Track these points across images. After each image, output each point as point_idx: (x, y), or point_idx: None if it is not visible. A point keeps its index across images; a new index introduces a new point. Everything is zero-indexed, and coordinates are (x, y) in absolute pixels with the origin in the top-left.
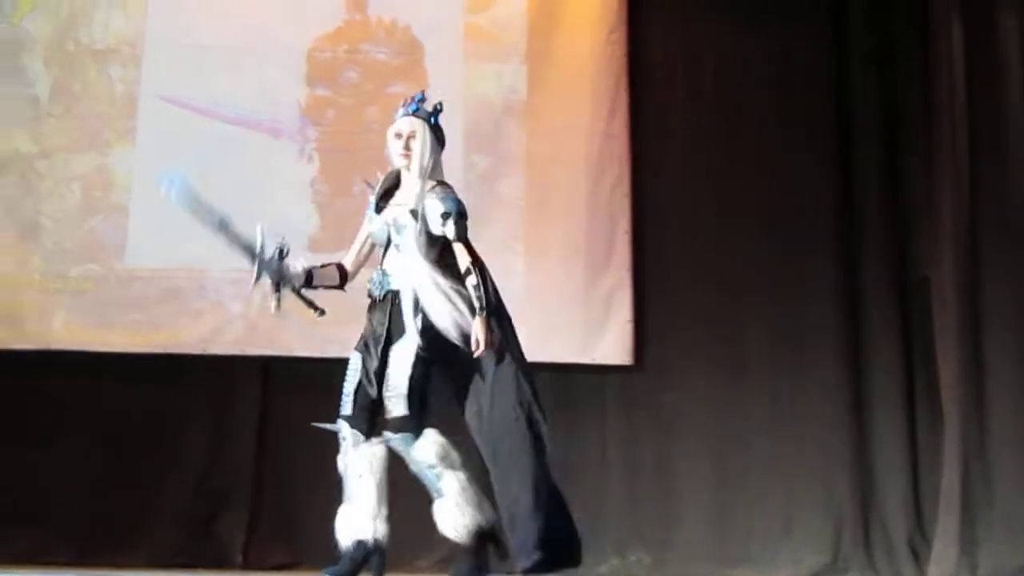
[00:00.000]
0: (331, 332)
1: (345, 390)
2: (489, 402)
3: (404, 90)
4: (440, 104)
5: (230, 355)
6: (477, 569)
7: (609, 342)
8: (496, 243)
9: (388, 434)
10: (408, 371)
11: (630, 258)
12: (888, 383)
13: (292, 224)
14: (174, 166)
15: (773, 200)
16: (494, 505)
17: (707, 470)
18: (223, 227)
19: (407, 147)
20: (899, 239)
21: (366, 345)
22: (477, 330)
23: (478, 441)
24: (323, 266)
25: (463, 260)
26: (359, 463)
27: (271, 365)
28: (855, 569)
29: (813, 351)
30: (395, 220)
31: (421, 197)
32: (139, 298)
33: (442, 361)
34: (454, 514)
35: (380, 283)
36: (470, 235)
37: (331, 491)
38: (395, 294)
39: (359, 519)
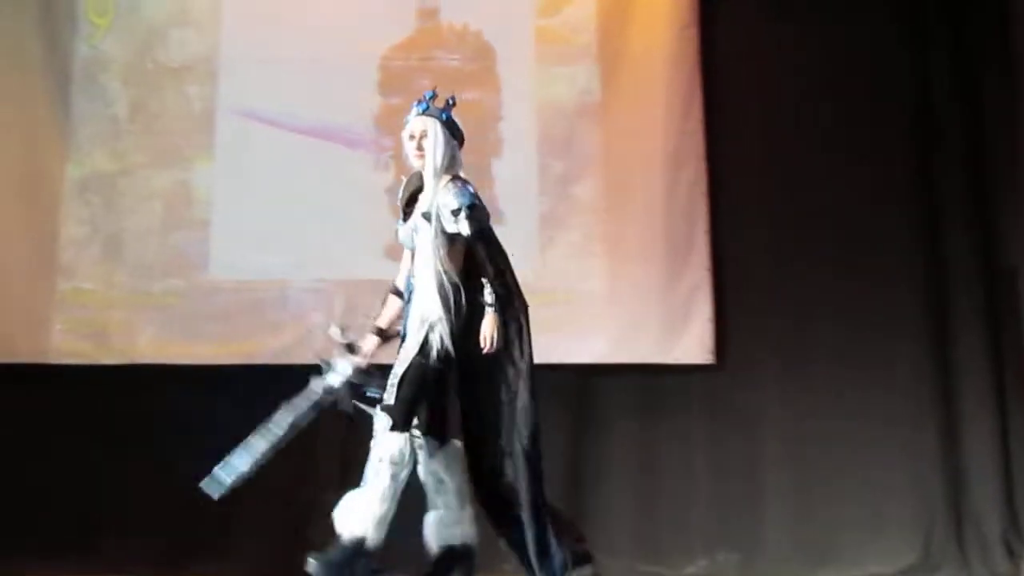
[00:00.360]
0: None
1: None
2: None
3: (478, 96)
4: (452, 99)
5: (315, 364)
6: None
7: (690, 341)
8: (575, 247)
9: (416, 434)
10: (403, 367)
11: (709, 256)
12: (976, 376)
13: (369, 233)
14: (253, 182)
15: (853, 193)
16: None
17: (793, 468)
18: (293, 429)
19: (419, 147)
20: (985, 228)
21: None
22: (487, 327)
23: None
24: (383, 307)
25: (483, 253)
26: (437, 470)
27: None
28: (947, 566)
29: (898, 345)
30: (415, 225)
31: (435, 196)
32: (222, 311)
33: (443, 368)
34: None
35: (409, 288)
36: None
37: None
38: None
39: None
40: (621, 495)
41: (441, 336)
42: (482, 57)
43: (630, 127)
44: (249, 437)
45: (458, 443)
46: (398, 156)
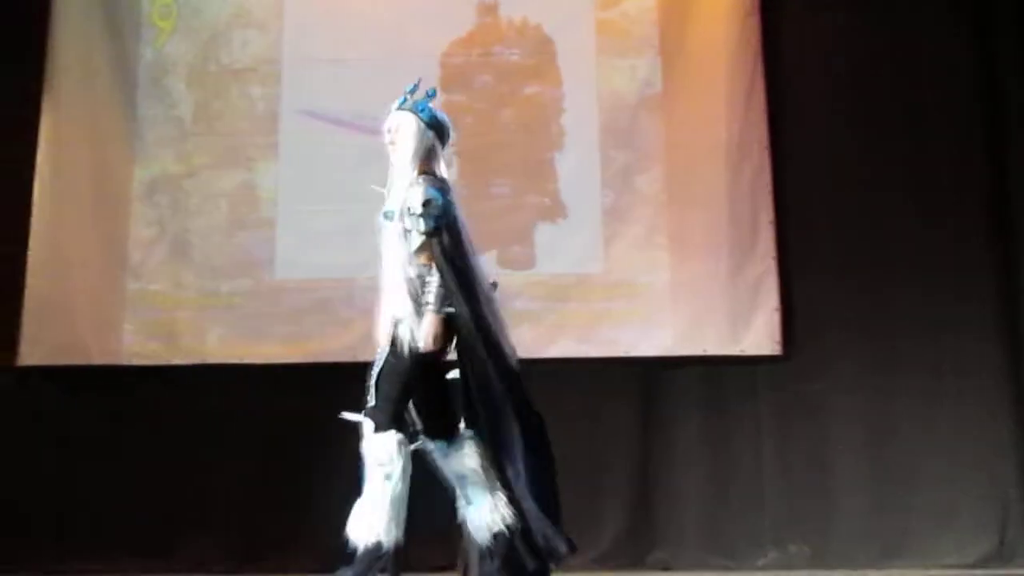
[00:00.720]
0: None
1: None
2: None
3: (539, 90)
4: (432, 90)
5: None
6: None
7: (757, 332)
8: (639, 239)
9: (425, 440)
10: (379, 366)
11: (775, 246)
12: None
13: None
14: (318, 181)
15: (920, 181)
16: None
17: (864, 459)
18: None
19: (392, 142)
20: None
21: None
22: (424, 326)
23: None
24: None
25: (434, 254)
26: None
27: None
28: (1022, 557)
29: (970, 333)
30: (380, 223)
31: (404, 193)
32: (289, 310)
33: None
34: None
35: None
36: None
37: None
38: None
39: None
40: (690, 487)
41: (412, 330)
42: (542, 51)
43: (692, 117)
44: None
45: (467, 432)
46: (460, 153)
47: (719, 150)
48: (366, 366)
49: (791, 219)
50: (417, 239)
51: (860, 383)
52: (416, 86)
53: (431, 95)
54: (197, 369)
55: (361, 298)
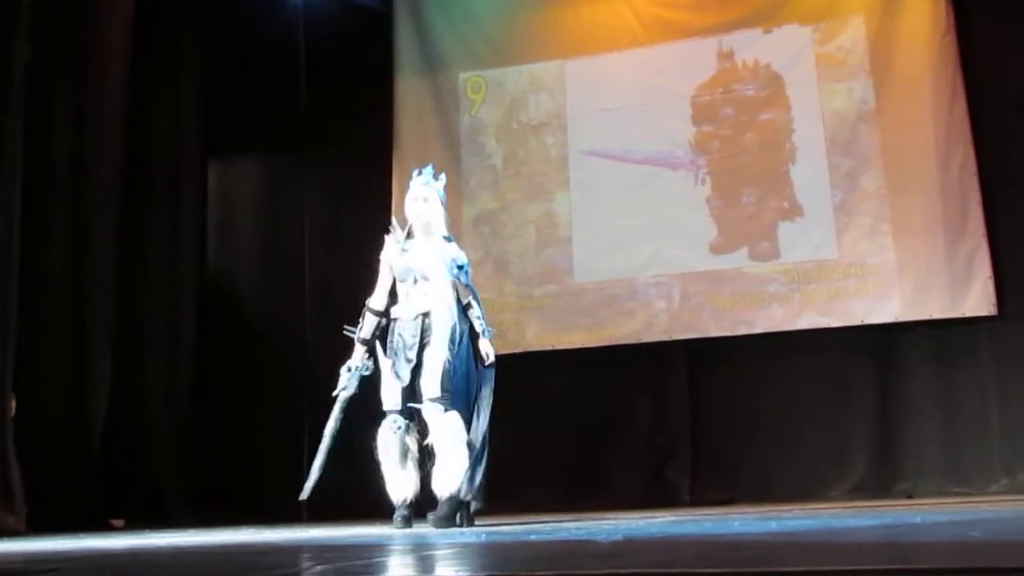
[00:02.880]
0: (739, 315)
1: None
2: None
3: (772, 116)
4: (442, 174)
5: (660, 341)
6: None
7: (974, 297)
8: (866, 228)
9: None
10: (441, 369)
11: (984, 223)
12: None
13: (695, 236)
14: (601, 204)
15: None
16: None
17: None
18: (333, 439)
19: (423, 211)
20: None
21: (396, 352)
22: (488, 346)
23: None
24: (373, 331)
25: (466, 296)
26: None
27: (693, 345)
28: None
29: None
30: (423, 266)
31: (441, 247)
32: (587, 306)
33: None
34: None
35: (410, 308)
36: None
37: (756, 439)
38: (425, 315)
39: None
40: (926, 429)
41: (463, 336)
42: (772, 84)
43: (903, 124)
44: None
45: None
46: (713, 172)
47: (929, 149)
48: (650, 345)
49: (997, 201)
50: (463, 281)
51: None
52: (433, 167)
53: (441, 179)
54: (521, 356)
55: (642, 293)
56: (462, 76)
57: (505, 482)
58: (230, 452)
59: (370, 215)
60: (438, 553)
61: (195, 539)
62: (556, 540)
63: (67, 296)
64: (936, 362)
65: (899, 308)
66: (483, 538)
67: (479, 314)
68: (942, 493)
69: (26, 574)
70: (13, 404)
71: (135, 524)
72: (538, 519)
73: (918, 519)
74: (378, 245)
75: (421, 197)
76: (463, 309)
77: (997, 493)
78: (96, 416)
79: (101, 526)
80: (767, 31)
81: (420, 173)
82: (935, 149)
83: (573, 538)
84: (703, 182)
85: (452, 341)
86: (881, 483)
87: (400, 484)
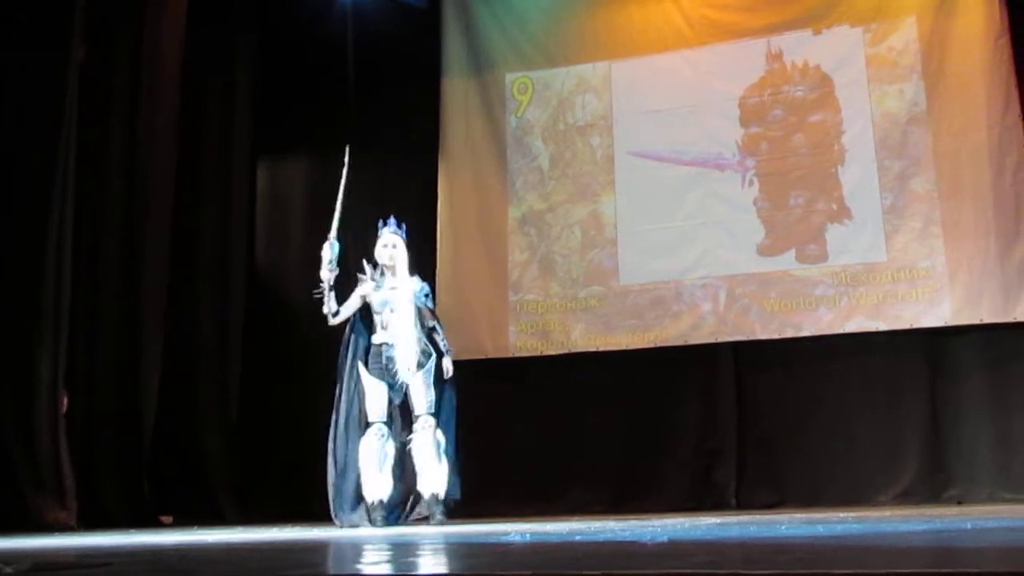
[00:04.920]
0: (787, 318)
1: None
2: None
3: (821, 118)
4: (404, 224)
5: (707, 343)
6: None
7: None
8: (917, 231)
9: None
10: (425, 380)
11: None
12: None
13: (742, 237)
14: (648, 206)
15: None
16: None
17: None
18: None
19: (392, 255)
20: None
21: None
22: (448, 363)
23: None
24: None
25: (431, 321)
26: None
27: (740, 347)
28: None
29: None
30: (395, 298)
31: (408, 284)
32: (633, 308)
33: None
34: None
35: (387, 335)
36: None
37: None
38: (399, 340)
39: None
40: (977, 435)
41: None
42: (822, 86)
43: (956, 127)
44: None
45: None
46: (761, 174)
47: (982, 152)
48: (697, 347)
49: None
50: (428, 309)
51: None
52: (396, 218)
53: (404, 226)
54: (566, 357)
55: (689, 295)
56: (509, 77)
57: (551, 484)
58: (278, 450)
59: (417, 215)
60: (482, 553)
61: (243, 536)
62: (600, 541)
63: (119, 293)
64: (987, 367)
65: (949, 312)
66: (528, 538)
67: (442, 336)
68: (993, 499)
69: (78, 568)
70: (65, 400)
71: (184, 521)
72: (584, 520)
73: (968, 525)
74: (423, 245)
75: (390, 243)
76: (430, 331)
77: None
78: (147, 413)
79: (151, 522)
80: (817, 32)
81: (386, 224)
82: (988, 152)
83: (618, 539)
84: (751, 184)
85: (420, 364)
86: (931, 489)
87: (377, 486)
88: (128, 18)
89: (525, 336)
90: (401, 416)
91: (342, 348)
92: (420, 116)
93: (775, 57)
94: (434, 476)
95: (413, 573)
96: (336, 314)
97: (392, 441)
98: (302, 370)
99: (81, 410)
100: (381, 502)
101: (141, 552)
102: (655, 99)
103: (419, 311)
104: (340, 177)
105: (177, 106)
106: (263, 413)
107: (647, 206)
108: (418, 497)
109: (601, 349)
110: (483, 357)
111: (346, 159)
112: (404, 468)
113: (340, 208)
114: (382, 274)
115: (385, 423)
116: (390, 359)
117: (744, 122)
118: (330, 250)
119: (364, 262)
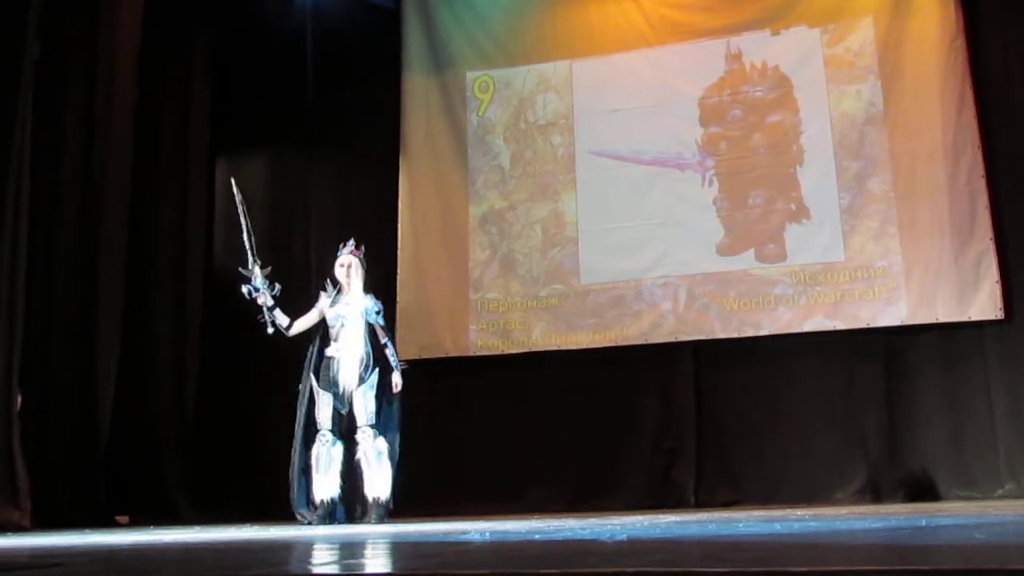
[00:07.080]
0: (746, 317)
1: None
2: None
3: (780, 118)
4: (362, 245)
5: (667, 342)
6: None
7: (982, 301)
8: (873, 231)
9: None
10: (369, 394)
11: (992, 228)
12: None
13: (702, 238)
14: (608, 205)
15: None
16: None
17: None
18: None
19: (348, 274)
20: None
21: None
22: (398, 377)
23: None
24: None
25: (383, 337)
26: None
27: (700, 347)
28: None
29: None
30: (347, 314)
31: (362, 301)
32: (593, 307)
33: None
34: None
35: (339, 348)
36: None
37: (762, 442)
38: (350, 354)
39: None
40: (932, 433)
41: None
42: (781, 86)
43: (912, 128)
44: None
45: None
46: (720, 174)
47: (937, 153)
48: (656, 346)
49: (1005, 205)
50: (379, 326)
51: None
52: (354, 240)
53: (360, 247)
54: (527, 356)
55: (649, 294)
56: (470, 75)
57: (510, 483)
58: (235, 450)
59: (377, 213)
60: (442, 552)
61: (199, 536)
62: (560, 539)
63: (74, 292)
64: (943, 366)
65: (906, 311)
66: (487, 537)
67: (393, 351)
68: (947, 497)
69: (30, 568)
70: (19, 399)
71: (139, 521)
72: (544, 519)
73: (923, 522)
74: (384, 243)
75: (347, 264)
76: (383, 348)
77: (1003, 497)
78: (102, 413)
79: (107, 523)
80: (776, 33)
81: (344, 245)
82: (943, 152)
83: (577, 537)
84: (710, 184)
85: (361, 379)
86: (887, 486)
87: (325, 487)
88: (84, 15)
89: (486, 335)
90: (349, 424)
91: (306, 359)
92: (381, 115)
93: (734, 57)
94: (375, 481)
95: (372, 572)
96: (289, 328)
97: (339, 446)
98: (258, 371)
99: (35, 410)
100: (331, 500)
101: (96, 552)
102: (616, 98)
103: (370, 328)
104: (237, 208)
105: (134, 104)
106: (219, 413)
107: (608, 205)
108: (364, 499)
109: (562, 348)
110: (444, 356)
111: (235, 191)
112: (354, 472)
113: (247, 238)
114: (339, 291)
115: (331, 430)
116: (337, 371)
117: (704, 122)
118: (253, 280)
119: (328, 281)
